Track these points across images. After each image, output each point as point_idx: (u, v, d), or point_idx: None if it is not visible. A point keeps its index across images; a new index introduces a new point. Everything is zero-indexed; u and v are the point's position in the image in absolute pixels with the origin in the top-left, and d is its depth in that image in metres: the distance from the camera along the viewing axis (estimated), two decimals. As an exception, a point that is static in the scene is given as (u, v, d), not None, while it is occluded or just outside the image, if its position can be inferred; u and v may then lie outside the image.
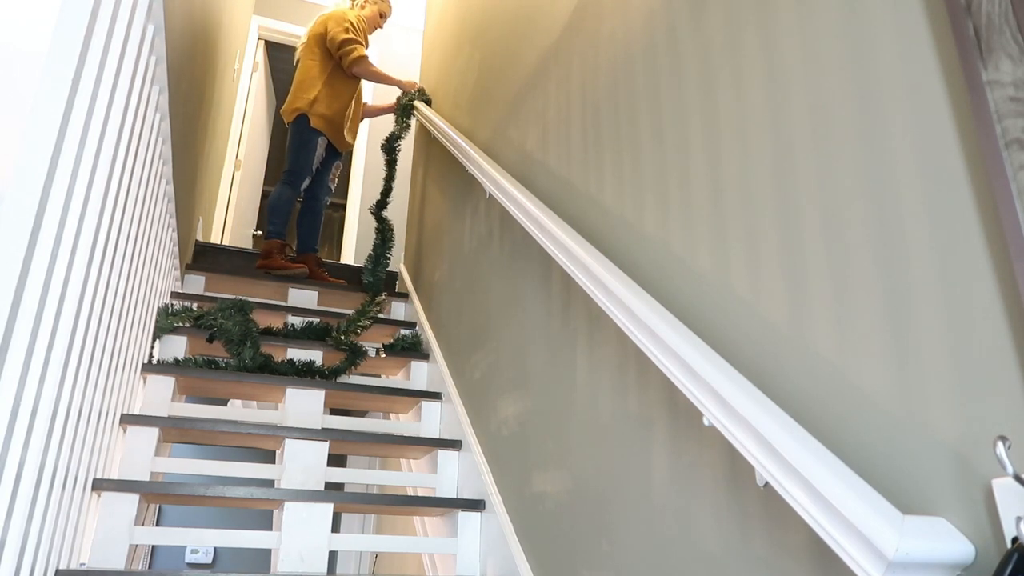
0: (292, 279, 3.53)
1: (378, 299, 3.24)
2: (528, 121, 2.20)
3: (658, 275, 1.38)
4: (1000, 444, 0.65)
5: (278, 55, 5.86)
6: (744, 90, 1.20)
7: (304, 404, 2.49)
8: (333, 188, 4.05)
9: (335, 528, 4.55)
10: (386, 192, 3.67)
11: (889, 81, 0.92)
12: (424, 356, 2.98)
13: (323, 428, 2.43)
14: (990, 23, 0.77)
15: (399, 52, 5.63)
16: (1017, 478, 0.63)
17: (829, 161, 1.00)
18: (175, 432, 2.24)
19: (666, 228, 1.37)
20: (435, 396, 2.70)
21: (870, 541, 0.72)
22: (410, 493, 2.78)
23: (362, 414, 4.41)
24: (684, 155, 1.35)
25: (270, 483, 4.29)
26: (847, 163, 0.97)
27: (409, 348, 3.04)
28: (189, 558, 4.90)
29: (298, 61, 3.93)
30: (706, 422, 1.02)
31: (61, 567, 1.60)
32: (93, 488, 1.85)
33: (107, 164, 1.46)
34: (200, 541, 1.92)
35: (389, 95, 4.52)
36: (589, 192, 1.72)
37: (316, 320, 3.01)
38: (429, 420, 2.70)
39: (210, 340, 2.63)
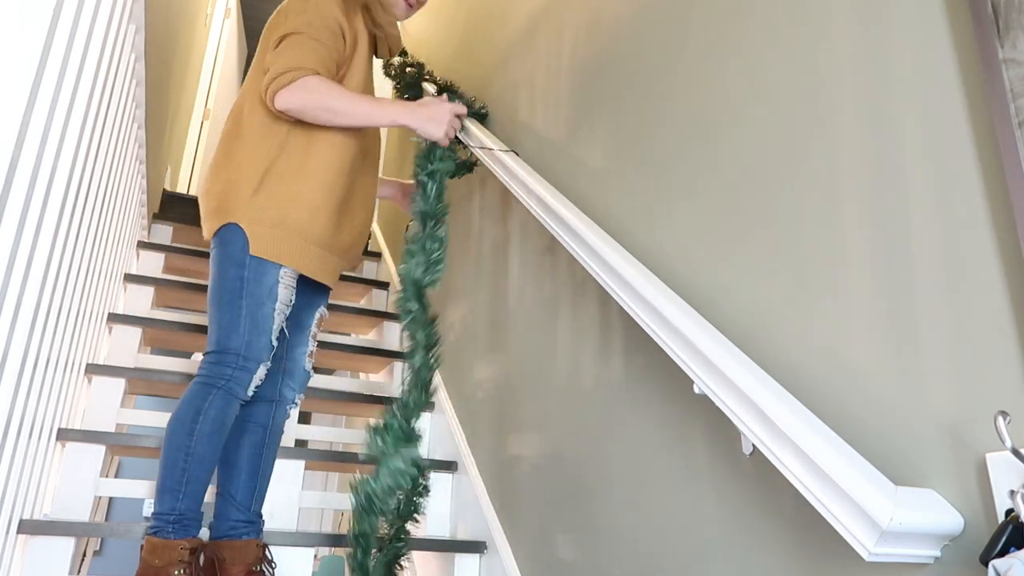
0: None
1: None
2: (515, 83, 2.16)
3: (648, 240, 1.37)
4: (1000, 419, 0.66)
5: (251, 2, 5.68)
6: (746, 56, 1.19)
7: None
8: (311, 370, 1.89)
9: (297, 486, 4.51)
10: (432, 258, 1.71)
11: (898, 54, 0.91)
12: (397, 316, 2.95)
13: (294, 385, 2.39)
14: (1009, 1, 0.77)
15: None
16: (1015, 452, 0.65)
17: (831, 130, 0.99)
18: (142, 384, 2.20)
19: (656, 197, 1.37)
20: (407, 357, 2.69)
21: (864, 510, 0.73)
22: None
23: (328, 372, 4.38)
24: (671, 124, 1.34)
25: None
26: (850, 133, 0.97)
27: None
28: (147, 511, 4.85)
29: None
30: (697, 390, 1.03)
31: (24, 517, 1.57)
32: (58, 438, 1.81)
33: (83, 103, 1.40)
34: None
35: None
36: (578, 155, 1.70)
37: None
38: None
39: None
